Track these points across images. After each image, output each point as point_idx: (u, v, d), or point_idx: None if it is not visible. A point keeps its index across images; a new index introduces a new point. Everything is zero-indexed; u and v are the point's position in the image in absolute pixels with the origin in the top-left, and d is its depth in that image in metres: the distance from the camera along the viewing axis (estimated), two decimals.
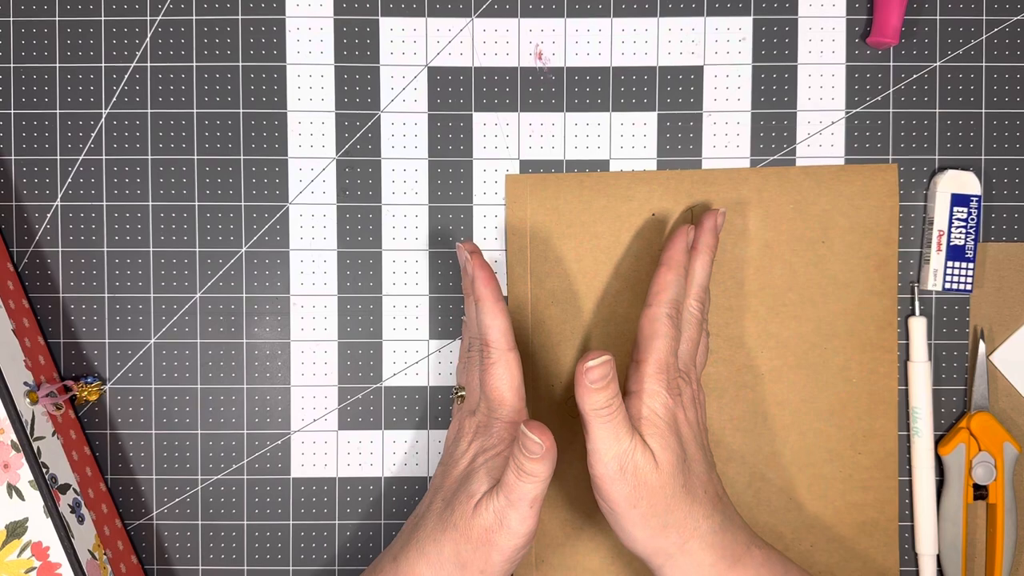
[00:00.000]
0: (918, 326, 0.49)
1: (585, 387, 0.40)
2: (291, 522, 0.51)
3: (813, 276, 0.49)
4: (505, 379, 0.43)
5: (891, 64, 0.50)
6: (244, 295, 0.51)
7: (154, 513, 0.51)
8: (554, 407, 0.50)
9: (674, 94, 0.50)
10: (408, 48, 0.50)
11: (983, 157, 0.50)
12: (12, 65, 0.50)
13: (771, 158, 0.50)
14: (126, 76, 0.50)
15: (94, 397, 0.50)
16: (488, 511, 0.40)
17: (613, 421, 0.41)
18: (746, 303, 0.49)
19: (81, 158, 0.50)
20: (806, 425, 0.49)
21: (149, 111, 0.50)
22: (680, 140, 0.50)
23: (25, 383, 0.46)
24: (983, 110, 0.50)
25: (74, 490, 0.46)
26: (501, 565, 0.41)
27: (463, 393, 0.46)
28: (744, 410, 0.50)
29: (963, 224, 0.49)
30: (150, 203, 0.50)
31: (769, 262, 0.49)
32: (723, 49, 0.50)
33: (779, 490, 0.50)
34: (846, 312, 0.49)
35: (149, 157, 0.50)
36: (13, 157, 0.50)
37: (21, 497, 0.44)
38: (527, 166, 0.50)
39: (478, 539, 0.40)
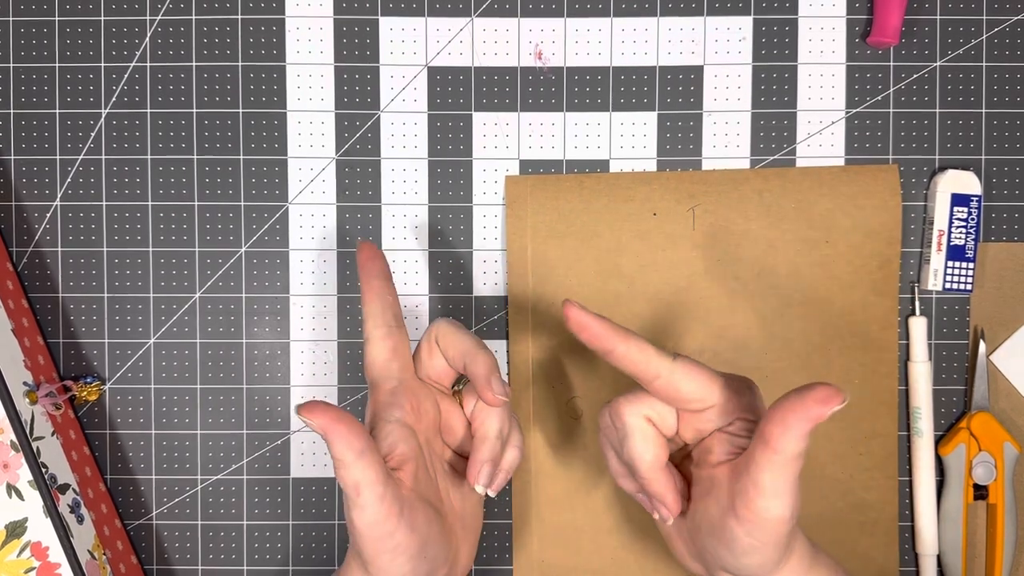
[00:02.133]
0: (918, 326, 0.49)
1: (802, 430, 0.35)
2: (291, 522, 0.51)
3: (817, 277, 0.49)
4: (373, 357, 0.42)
5: (891, 64, 0.50)
6: (244, 295, 0.50)
7: (154, 513, 0.51)
8: (555, 409, 0.50)
9: (674, 94, 0.50)
10: (408, 48, 0.50)
11: (983, 157, 0.50)
12: (12, 65, 0.50)
13: (771, 158, 0.50)
14: (126, 76, 0.50)
15: (93, 397, 0.50)
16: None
17: (797, 470, 0.36)
18: (750, 304, 0.49)
19: (81, 158, 0.50)
20: None
21: (149, 111, 0.50)
22: (680, 140, 0.50)
23: (24, 383, 0.46)
24: (983, 110, 0.50)
25: (74, 490, 0.46)
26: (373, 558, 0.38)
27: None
28: None
29: (963, 224, 0.49)
30: (150, 203, 0.50)
31: (773, 263, 0.49)
32: (723, 49, 0.50)
33: None
34: (850, 313, 0.49)
35: (149, 157, 0.50)
36: (13, 157, 0.50)
37: (20, 497, 0.44)
38: (527, 166, 0.50)
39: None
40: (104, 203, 0.50)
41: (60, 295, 0.50)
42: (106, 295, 0.50)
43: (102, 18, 0.50)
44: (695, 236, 0.49)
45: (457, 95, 0.50)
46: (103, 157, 0.50)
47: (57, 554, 0.44)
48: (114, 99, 0.50)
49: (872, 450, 0.50)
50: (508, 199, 0.50)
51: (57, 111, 0.50)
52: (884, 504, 0.50)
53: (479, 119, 0.50)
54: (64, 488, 0.46)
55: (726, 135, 0.50)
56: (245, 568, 0.51)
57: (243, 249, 0.50)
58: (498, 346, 0.50)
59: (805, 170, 0.50)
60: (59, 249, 0.50)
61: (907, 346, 0.50)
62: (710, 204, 0.49)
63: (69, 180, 0.50)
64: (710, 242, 0.49)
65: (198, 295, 0.50)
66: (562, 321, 0.50)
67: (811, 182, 0.49)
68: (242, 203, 0.50)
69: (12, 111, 0.50)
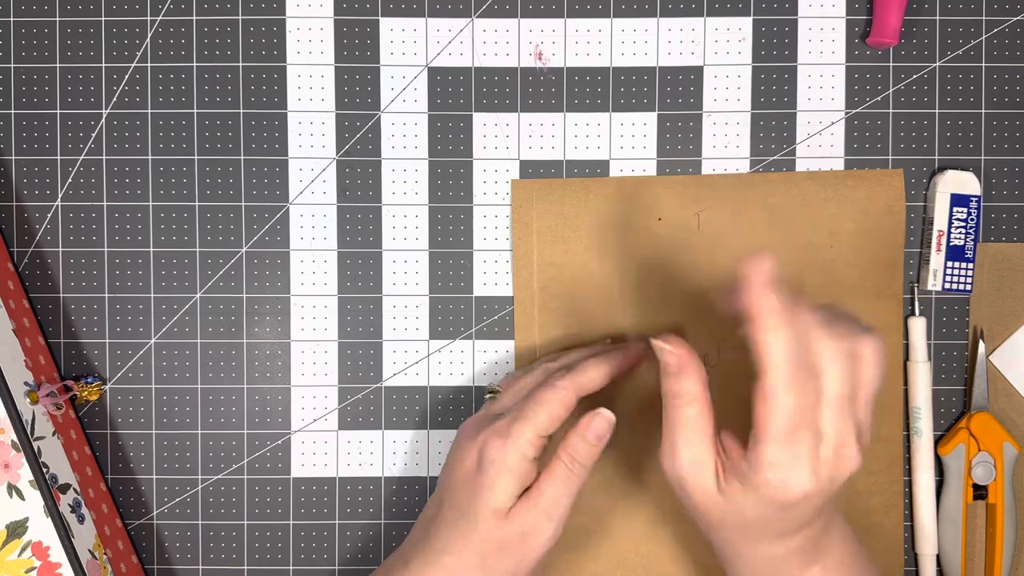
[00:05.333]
0: (918, 326, 0.49)
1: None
2: (291, 522, 0.51)
3: (822, 281, 0.49)
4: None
5: (891, 64, 0.50)
6: (244, 295, 0.51)
7: (154, 513, 0.51)
8: None
9: (674, 94, 0.50)
10: (408, 48, 0.50)
11: (983, 157, 0.50)
12: (12, 65, 0.50)
13: (771, 158, 0.50)
14: (126, 76, 0.50)
15: (94, 397, 0.50)
16: (524, 519, 0.41)
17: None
18: None
19: (81, 158, 0.50)
20: None
21: (149, 111, 0.50)
22: (680, 140, 0.50)
23: (25, 383, 0.46)
24: (983, 110, 0.50)
25: (74, 490, 0.46)
26: (532, 563, 0.42)
27: (496, 392, 0.46)
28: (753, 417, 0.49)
29: (963, 224, 0.49)
30: (150, 203, 0.50)
31: (779, 266, 0.49)
32: (723, 49, 0.50)
33: None
34: None
35: (149, 157, 0.50)
36: (13, 157, 0.50)
37: (21, 497, 0.44)
38: (527, 166, 0.50)
39: (511, 545, 0.41)
40: (105, 203, 0.50)
41: (61, 295, 0.50)
42: (107, 295, 0.50)
43: (103, 18, 0.50)
44: (700, 240, 0.49)
45: (457, 96, 0.50)
46: (104, 157, 0.50)
47: (58, 554, 0.44)
48: (115, 99, 0.50)
49: (876, 454, 0.49)
50: (513, 203, 0.50)
51: (58, 111, 0.50)
52: (889, 508, 0.50)
53: (479, 120, 0.50)
54: (65, 488, 0.46)
55: (726, 136, 0.50)
56: (245, 568, 0.51)
57: (244, 249, 0.51)
58: (498, 346, 0.50)
59: (810, 174, 0.50)
60: (60, 249, 0.50)
61: (906, 346, 0.50)
62: (715, 208, 0.49)
63: (70, 180, 0.50)
64: (715, 246, 0.49)
65: (199, 295, 0.51)
66: (567, 323, 0.50)
67: (816, 186, 0.49)
68: (243, 203, 0.50)
69: (13, 111, 0.50)
